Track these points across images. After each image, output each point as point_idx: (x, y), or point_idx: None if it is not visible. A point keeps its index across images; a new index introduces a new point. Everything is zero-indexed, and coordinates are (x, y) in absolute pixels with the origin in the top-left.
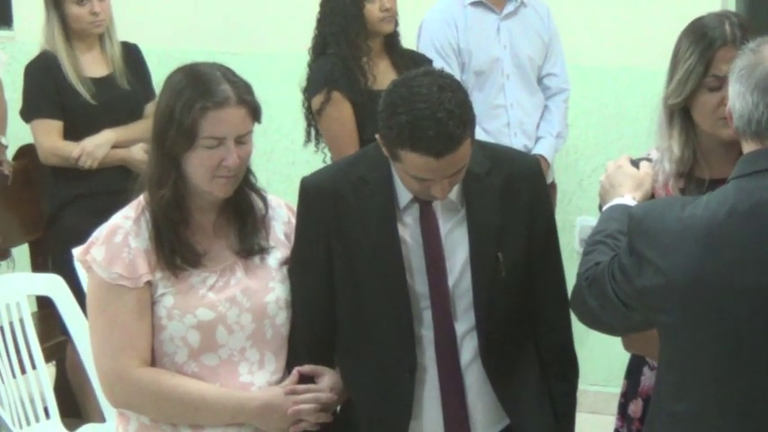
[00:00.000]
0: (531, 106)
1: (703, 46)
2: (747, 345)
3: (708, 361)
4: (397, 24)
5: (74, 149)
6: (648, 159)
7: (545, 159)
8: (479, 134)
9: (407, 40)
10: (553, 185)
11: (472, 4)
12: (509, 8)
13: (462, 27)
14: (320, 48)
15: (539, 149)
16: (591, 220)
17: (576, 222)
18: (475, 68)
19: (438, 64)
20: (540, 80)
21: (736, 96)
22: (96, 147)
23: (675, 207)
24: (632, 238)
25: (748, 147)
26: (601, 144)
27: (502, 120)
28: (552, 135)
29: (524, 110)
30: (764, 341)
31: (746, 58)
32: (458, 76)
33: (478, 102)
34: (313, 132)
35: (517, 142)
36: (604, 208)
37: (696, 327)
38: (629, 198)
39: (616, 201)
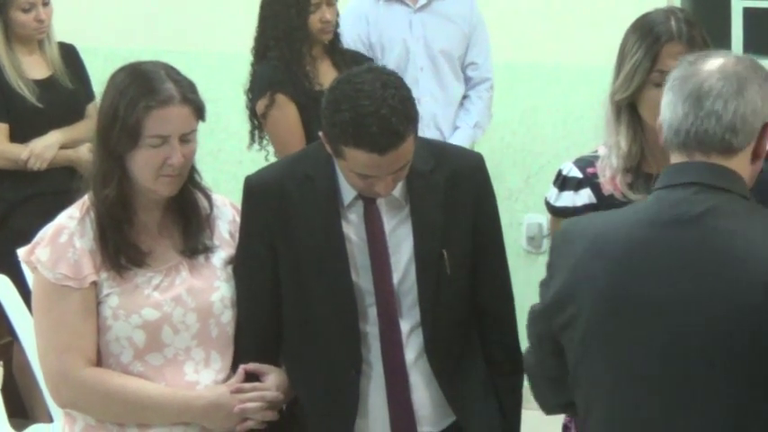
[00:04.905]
0: (445, 99)
1: (649, 41)
2: (659, 358)
3: (607, 377)
4: (337, 26)
5: (22, 152)
6: (596, 156)
7: None
8: None
9: None
10: None
11: None
12: (422, 1)
13: (374, 22)
14: (262, 50)
15: (453, 140)
16: (538, 217)
17: (523, 220)
18: (389, 62)
19: None
20: (463, 70)
21: (666, 106)
22: (45, 148)
23: (599, 216)
24: (552, 251)
25: (674, 159)
26: (548, 141)
27: None
28: (469, 126)
29: (438, 102)
30: (680, 355)
31: (683, 69)
32: None
33: None
34: (257, 134)
35: (428, 135)
36: None
37: (606, 338)
38: None
39: None
